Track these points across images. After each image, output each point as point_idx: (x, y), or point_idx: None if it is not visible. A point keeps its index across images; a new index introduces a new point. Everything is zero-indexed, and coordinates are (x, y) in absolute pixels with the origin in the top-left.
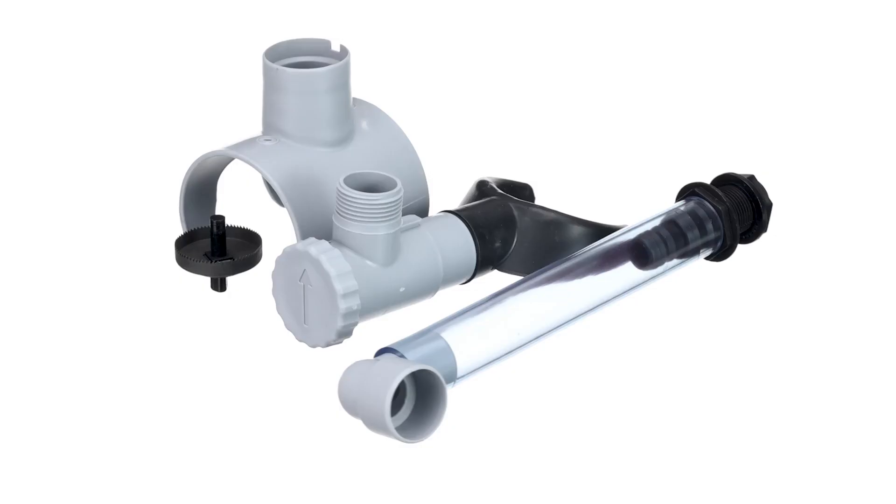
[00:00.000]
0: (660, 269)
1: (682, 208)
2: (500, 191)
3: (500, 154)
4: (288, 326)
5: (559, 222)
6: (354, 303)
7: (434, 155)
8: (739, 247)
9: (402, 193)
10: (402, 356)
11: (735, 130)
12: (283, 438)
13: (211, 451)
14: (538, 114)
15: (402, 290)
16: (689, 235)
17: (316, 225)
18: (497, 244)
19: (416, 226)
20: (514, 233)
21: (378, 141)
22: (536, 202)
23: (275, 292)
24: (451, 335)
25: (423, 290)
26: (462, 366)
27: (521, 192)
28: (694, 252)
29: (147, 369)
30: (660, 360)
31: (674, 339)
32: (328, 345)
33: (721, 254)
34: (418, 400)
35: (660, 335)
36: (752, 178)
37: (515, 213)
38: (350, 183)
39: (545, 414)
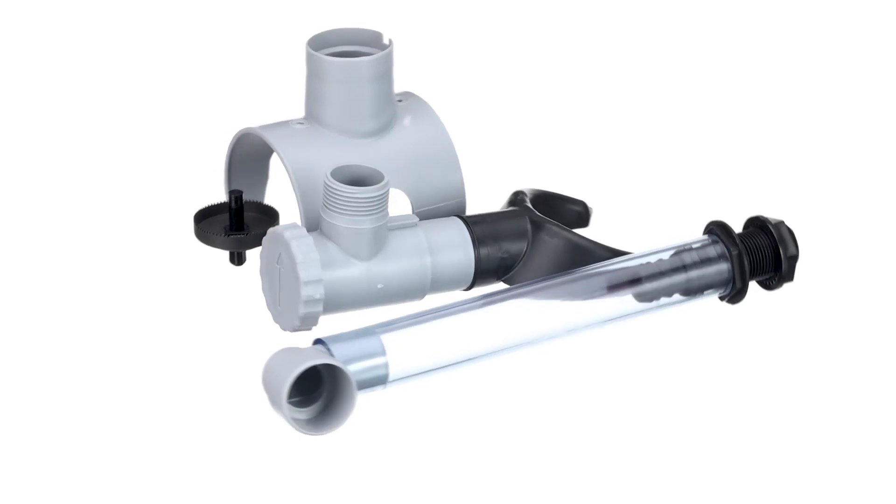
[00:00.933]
0: (657, 302)
1: (695, 245)
2: (527, 203)
3: (555, 166)
4: (268, 306)
5: (577, 245)
6: (317, 291)
7: (487, 160)
8: (761, 292)
9: (384, 190)
10: (328, 348)
11: (798, 163)
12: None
13: (222, 419)
14: (599, 131)
15: (379, 286)
16: (693, 274)
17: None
18: (503, 255)
19: (412, 225)
20: (525, 247)
21: (416, 138)
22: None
23: (261, 272)
24: (391, 337)
25: (407, 290)
26: (397, 370)
27: (564, 207)
28: (697, 291)
29: (166, 341)
30: (626, 393)
31: (649, 374)
32: (294, 330)
33: (733, 296)
34: (335, 396)
35: (637, 368)
36: (779, 224)
37: (530, 227)
38: (337, 175)
39: (474, 429)
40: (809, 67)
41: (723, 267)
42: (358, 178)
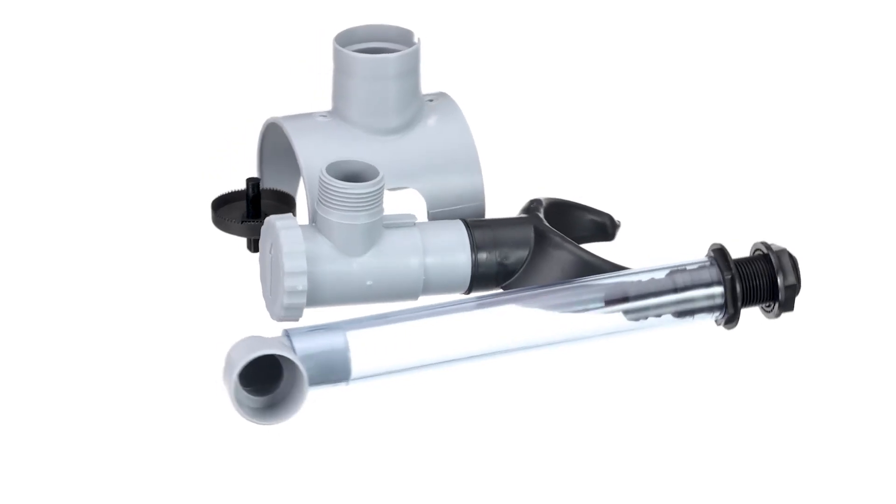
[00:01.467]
0: (646, 322)
1: (690, 266)
2: (539, 212)
3: (586, 176)
4: (263, 295)
5: (580, 259)
6: (300, 283)
7: (518, 166)
8: (763, 319)
9: (377, 187)
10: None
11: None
12: None
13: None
14: (634, 142)
15: (368, 283)
16: (685, 295)
17: None
18: (501, 262)
19: (410, 224)
20: (526, 256)
21: (438, 139)
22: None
23: (259, 260)
24: (357, 334)
25: (398, 289)
26: (360, 368)
27: (582, 217)
28: (689, 313)
29: (183, 327)
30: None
31: (626, 393)
32: (280, 319)
33: (727, 321)
34: (290, 388)
35: (616, 386)
36: (781, 252)
37: (534, 237)
38: (332, 169)
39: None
40: (846, 83)
41: (716, 291)
42: (353, 174)
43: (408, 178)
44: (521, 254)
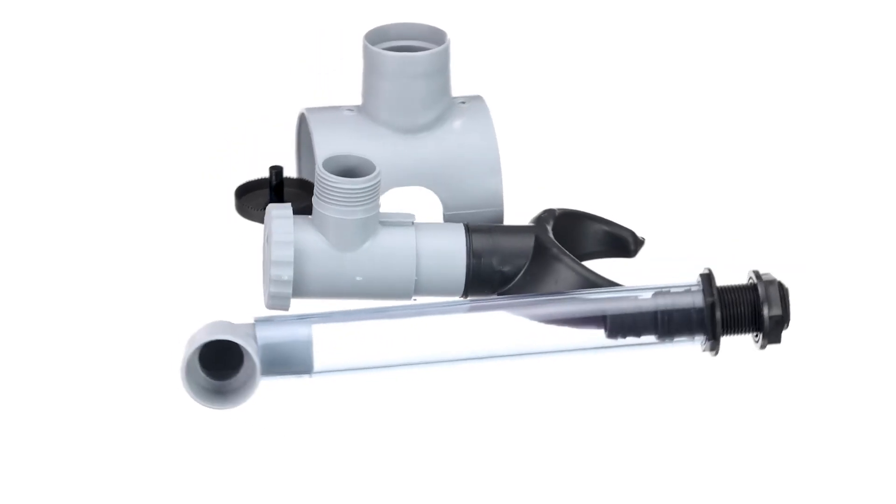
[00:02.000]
0: (625, 341)
1: (675, 289)
2: (548, 222)
3: (618, 189)
4: (263, 282)
5: (576, 274)
6: (286, 273)
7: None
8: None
9: (369, 183)
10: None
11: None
12: None
13: None
14: (674, 160)
15: (358, 279)
16: (665, 318)
17: None
18: (497, 269)
19: (407, 224)
20: (523, 266)
21: (460, 141)
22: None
23: (262, 248)
24: (324, 328)
25: (388, 288)
26: (323, 362)
27: (596, 230)
28: (669, 335)
29: (203, 313)
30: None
31: (594, 410)
32: (270, 308)
33: (710, 347)
34: (249, 375)
35: (585, 403)
36: (770, 283)
37: (534, 247)
38: (330, 163)
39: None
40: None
41: (700, 315)
42: (350, 169)
43: (425, 178)
44: (518, 263)
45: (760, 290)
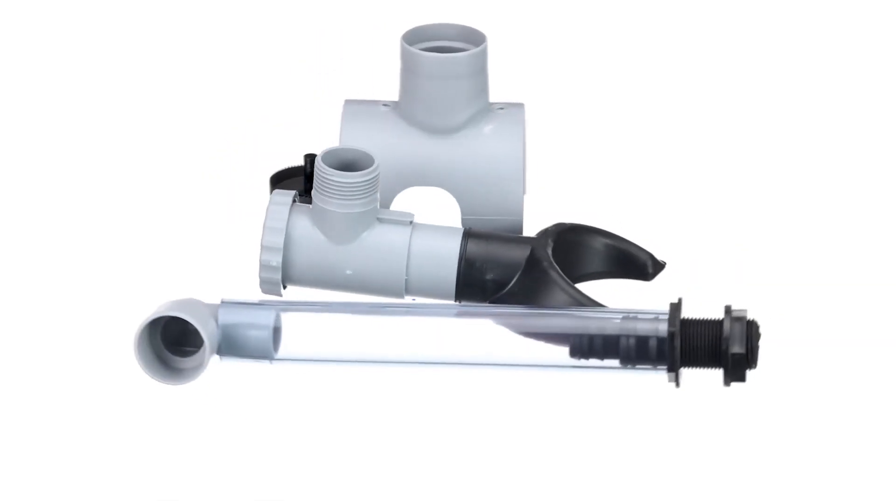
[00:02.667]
0: (587, 362)
1: (643, 315)
2: (549, 237)
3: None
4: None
5: (561, 290)
6: (274, 258)
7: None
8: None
9: (364, 178)
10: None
11: None
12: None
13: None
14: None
15: (348, 272)
16: (630, 343)
17: None
18: (488, 277)
19: (405, 223)
20: (513, 277)
21: (485, 147)
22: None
23: None
24: (292, 316)
25: (378, 285)
26: (285, 350)
27: (608, 250)
28: (631, 361)
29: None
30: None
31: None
32: (264, 293)
33: (673, 378)
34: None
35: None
36: (736, 320)
37: (527, 260)
38: (331, 155)
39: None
40: None
41: (661, 344)
42: (349, 162)
43: (445, 180)
44: (509, 273)
45: (725, 325)
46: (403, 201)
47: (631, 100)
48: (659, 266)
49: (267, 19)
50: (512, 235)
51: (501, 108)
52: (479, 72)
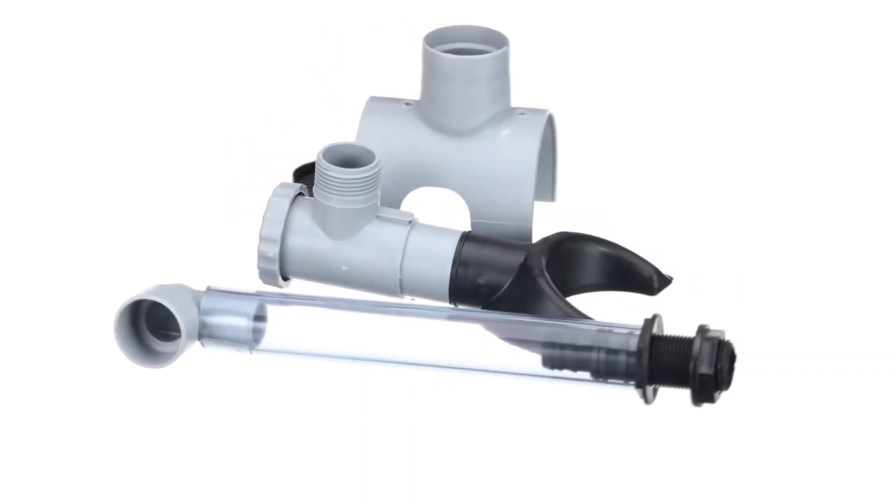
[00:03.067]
0: (560, 373)
1: (618, 329)
2: (546, 245)
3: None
4: None
5: (547, 299)
6: (270, 249)
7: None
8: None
9: (362, 174)
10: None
11: None
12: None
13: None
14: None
15: (344, 268)
16: (602, 356)
17: None
18: (481, 282)
19: (403, 222)
20: (506, 283)
21: (499, 151)
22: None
23: None
24: (276, 308)
25: (373, 282)
26: (270, 342)
27: (608, 262)
28: (603, 375)
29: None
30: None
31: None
32: (264, 283)
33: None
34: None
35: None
36: (707, 340)
37: (519, 267)
38: (332, 150)
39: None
40: None
41: (630, 360)
42: (349, 158)
43: (457, 182)
44: (501, 279)
45: (695, 345)
46: (414, 202)
47: (656, 105)
48: (665, 281)
49: (267, 19)
50: (510, 241)
51: (523, 114)
52: (498, 75)
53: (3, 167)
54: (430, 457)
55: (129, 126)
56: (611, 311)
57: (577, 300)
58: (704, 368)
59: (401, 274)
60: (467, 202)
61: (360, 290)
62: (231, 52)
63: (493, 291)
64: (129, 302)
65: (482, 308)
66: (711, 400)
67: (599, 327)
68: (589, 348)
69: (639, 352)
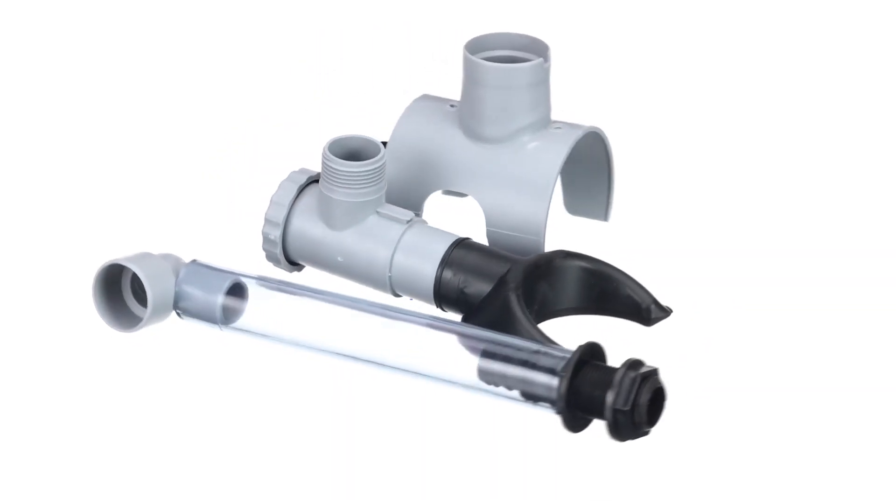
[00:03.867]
0: (494, 388)
1: (554, 352)
2: (534, 261)
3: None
4: None
5: (511, 315)
6: (273, 232)
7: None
8: None
9: (363, 168)
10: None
11: None
12: None
13: None
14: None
15: (339, 259)
16: (530, 376)
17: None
18: (462, 288)
19: (402, 220)
20: (485, 292)
21: (521, 162)
22: None
23: None
24: (255, 291)
25: (365, 275)
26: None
27: (587, 283)
28: (529, 397)
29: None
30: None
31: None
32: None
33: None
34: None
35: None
36: (629, 374)
37: (498, 279)
38: (338, 143)
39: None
40: None
41: (552, 383)
42: (355, 150)
43: (476, 188)
44: (481, 288)
45: (616, 377)
46: (439, 206)
47: (726, 128)
48: (663, 312)
49: (267, 20)
50: (501, 252)
51: (559, 128)
52: (533, 85)
53: (3, 167)
54: (362, 448)
55: (129, 126)
56: (600, 337)
57: (569, 322)
58: (621, 403)
59: (390, 272)
60: (484, 210)
61: (354, 281)
62: (231, 52)
63: (474, 300)
64: (106, 264)
65: (463, 315)
66: (622, 437)
67: (537, 349)
68: (521, 367)
69: (560, 377)
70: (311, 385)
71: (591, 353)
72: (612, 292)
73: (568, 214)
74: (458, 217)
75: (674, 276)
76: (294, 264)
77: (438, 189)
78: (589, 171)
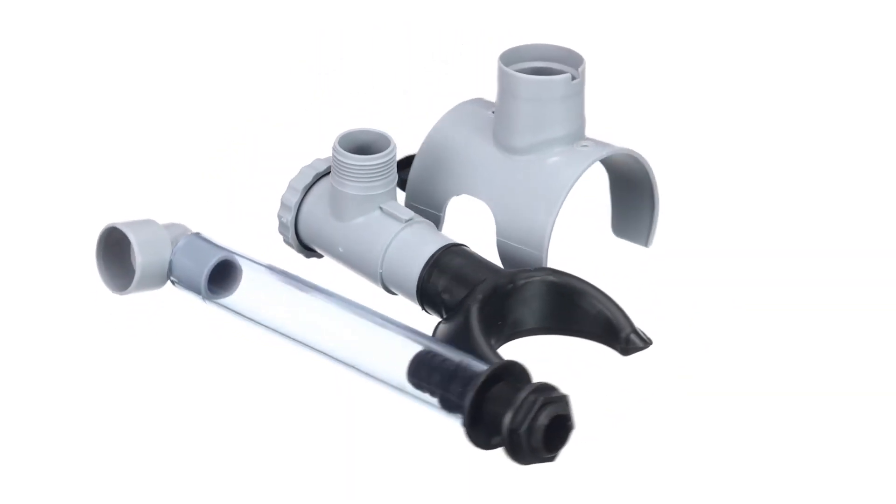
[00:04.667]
0: (421, 394)
1: (474, 367)
2: (513, 275)
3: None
4: None
5: (468, 329)
6: (286, 216)
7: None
8: None
9: (364, 163)
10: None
11: None
12: None
13: None
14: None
15: (340, 249)
16: (451, 387)
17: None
18: (442, 292)
19: (402, 220)
20: (458, 299)
21: (537, 176)
22: None
23: None
24: (246, 272)
25: (361, 268)
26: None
27: (551, 304)
28: (448, 407)
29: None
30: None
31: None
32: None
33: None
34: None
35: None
36: (530, 397)
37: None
38: (348, 136)
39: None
40: None
41: (463, 394)
42: (365, 144)
43: (492, 197)
44: (459, 294)
45: (518, 397)
46: (462, 210)
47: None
48: (642, 343)
49: (267, 20)
50: (488, 263)
51: (585, 145)
52: (560, 99)
53: (4, 167)
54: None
55: (130, 126)
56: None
57: (547, 341)
58: (518, 424)
59: (381, 267)
60: (495, 219)
61: (354, 271)
62: (232, 52)
63: (451, 305)
64: (108, 226)
65: (441, 320)
66: (522, 459)
67: (465, 361)
68: (441, 376)
69: (468, 391)
70: (283, 367)
71: (511, 373)
72: (582, 308)
73: (614, 236)
74: (478, 224)
75: (679, 277)
76: (310, 250)
77: (459, 193)
78: (633, 195)
